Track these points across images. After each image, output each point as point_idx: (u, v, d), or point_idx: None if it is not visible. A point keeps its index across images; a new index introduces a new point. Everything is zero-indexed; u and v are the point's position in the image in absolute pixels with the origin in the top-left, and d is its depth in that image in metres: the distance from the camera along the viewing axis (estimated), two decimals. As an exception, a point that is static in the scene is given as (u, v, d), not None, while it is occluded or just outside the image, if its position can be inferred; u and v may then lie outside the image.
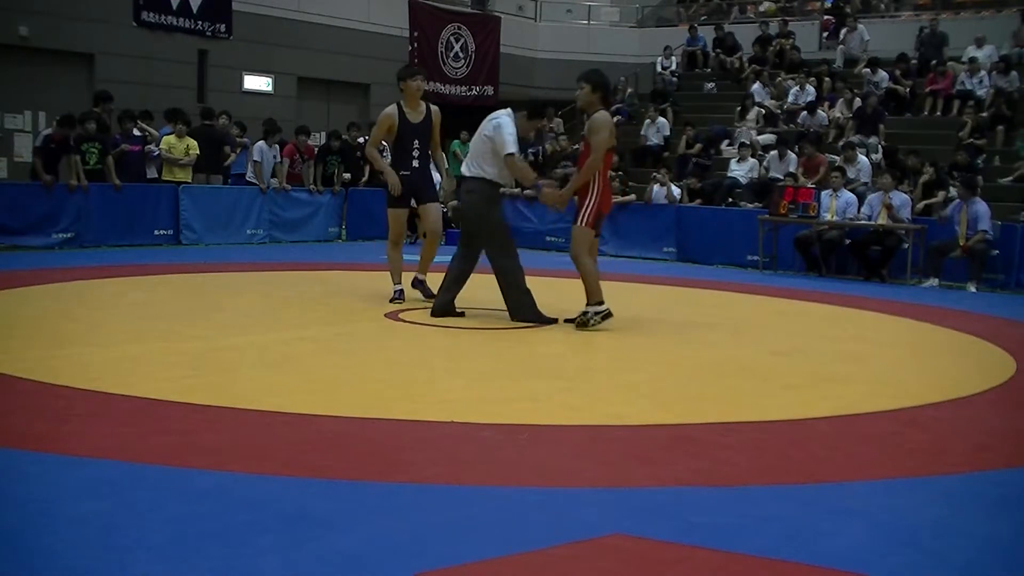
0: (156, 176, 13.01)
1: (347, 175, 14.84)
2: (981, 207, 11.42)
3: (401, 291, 7.87)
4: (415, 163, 7.75)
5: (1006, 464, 4.16)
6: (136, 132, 13.06)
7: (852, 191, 12.58)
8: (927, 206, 12.54)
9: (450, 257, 7.44)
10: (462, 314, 7.27)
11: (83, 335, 6.12)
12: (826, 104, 16.80)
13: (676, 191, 14.49)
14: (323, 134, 18.01)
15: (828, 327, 8.11)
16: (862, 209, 12.13)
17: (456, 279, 7.30)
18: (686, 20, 23.08)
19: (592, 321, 6.87)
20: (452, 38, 20.58)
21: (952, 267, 11.65)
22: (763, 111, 17.20)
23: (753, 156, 15.07)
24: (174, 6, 17.03)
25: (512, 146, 7.06)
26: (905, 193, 12.18)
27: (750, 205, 13.89)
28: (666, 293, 10.03)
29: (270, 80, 18.59)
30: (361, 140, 15.51)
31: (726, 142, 16.53)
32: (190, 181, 13.06)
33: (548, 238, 14.79)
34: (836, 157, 13.97)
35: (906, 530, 3.21)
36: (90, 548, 2.76)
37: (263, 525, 2.98)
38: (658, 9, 24.64)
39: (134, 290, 8.39)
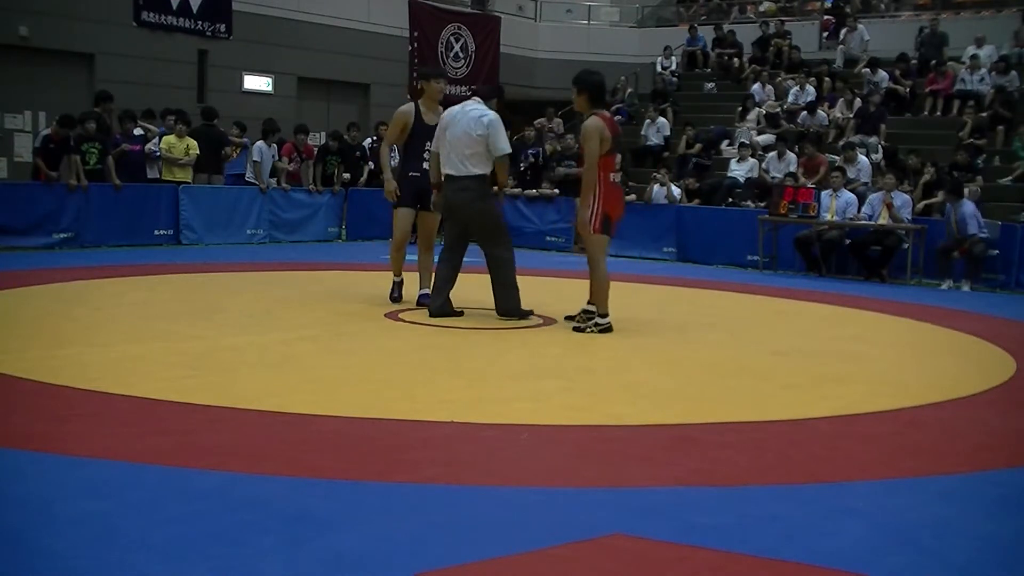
0: (156, 176, 13.01)
1: (346, 175, 14.84)
2: (968, 209, 11.41)
3: (401, 283, 7.81)
4: (425, 165, 7.60)
5: (1006, 464, 4.16)
6: (137, 131, 13.04)
7: (852, 191, 12.58)
8: (927, 206, 12.55)
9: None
10: (461, 313, 7.27)
11: (83, 335, 6.11)
12: (826, 104, 16.80)
13: (676, 191, 14.49)
14: (323, 134, 18.03)
15: (828, 327, 8.11)
16: (862, 209, 12.13)
17: (448, 279, 7.30)
18: (686, 20, 23.08)
19: (588, 330, 6.86)
20: (452, 38, 20.58)
21: (954, 266, 11.65)
22: (763, 111, 17.20)
23: (753, 156, 15.07)
24: (174, 6, 17.04)
25: (509, 146, 7.06)
26: (905, 193, 12.19)
27: (751, 205, 13.89)
28: (666, 293, 10.02)
29: (270, 80, 18.60)
30: (369, 140, 15.54)
31: (726, 142, 16.54)
32: (190, 181, 13.06)
33: (548, 238, 14.81)
34: (836, 157, 13.97)
35: (906, 530, 3.21)
36: (90, 548, 2.76)
37: (263, 525, 2.98)
38: (658, 9, 24.64)
39: (134, 290, 8.38)
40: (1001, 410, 5.15)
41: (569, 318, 7.14)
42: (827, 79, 17.64)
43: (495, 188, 7.66)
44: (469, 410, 4.57)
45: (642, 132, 17.39)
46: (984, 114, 15.27)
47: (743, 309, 9.10)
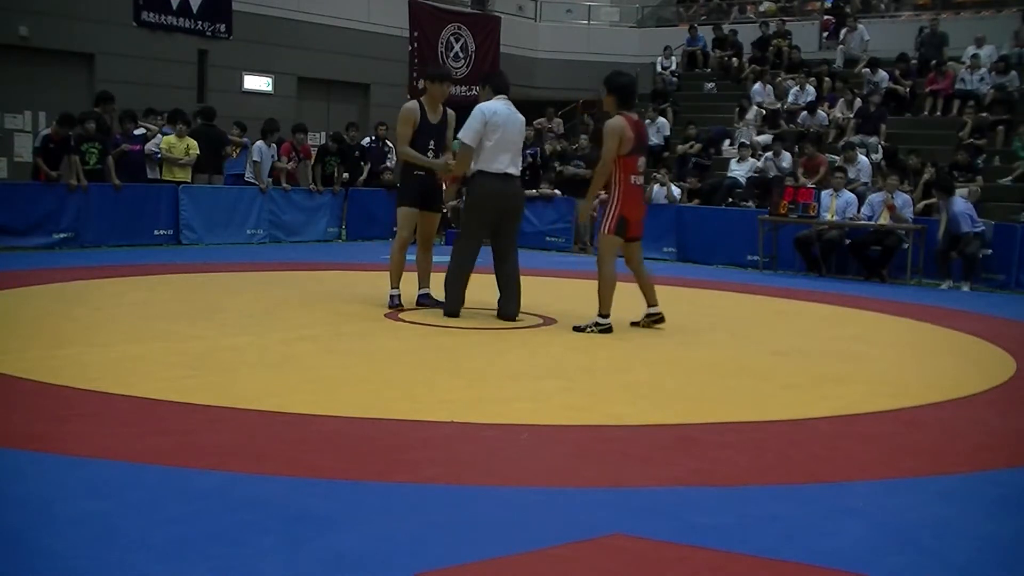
0: (156, 176, 13.01)
1: (346, 175, 14.84)
2: (960, 208, 11.41)
3: (398, 296, 7.72)
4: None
5: (1006, 464, 4.16)
6: (138, 131, 13.04)
7: (852, 191, 12.58)
8: (927, 206, 12.55)
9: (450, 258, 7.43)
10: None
11: (83, 335, 6.11)
12: (826, 104, 16.80)
13: (676, 191, 14.49)
14: (322, 134, 18.03)
15: (828, 327, 8.11)
16: (863, 209, 12.12)
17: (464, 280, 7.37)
18: (686, 20, 23.08)
19: (589, 330, 6.86)
20: (452, 38, 20.57)
21: (952, 267, 11.66)
22: (763, 111, 17.21)
23: (753, 156, 15.08)
24: (174, 6, 17.03)
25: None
26: (906, 193, 12.19)
27: (751, 205, 13.89)
28: (666, 293, 9.94)
29: (270, 80, 18.60)
30: (367, 140, 15.54)
31: (726, 142, 16.54)
32: (190, 181, 13.06)
33: (548, 238, 14.82)
34: (836, 157, 13.97)
35: (906, 530, 3.21)
36: (90, 548, 2.76)
37: (263, 525, 2.98)
38: (658, 9, 24.64)
39: (134, 290, 8.38)
40: (1001, 410, 5.15)
41: (635, 324, 7.20)
42: (827, 79, 17.65)
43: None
44: (469, 410, 4.56)
45: (642, 132, 17.35)
46: (984, 114, 15.27)
47: (743, 309, 9.10)
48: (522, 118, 7.41)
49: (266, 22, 18.18)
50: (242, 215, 13.51)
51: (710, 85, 20.05)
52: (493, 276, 7.34)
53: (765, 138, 15.98)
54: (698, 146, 16.24)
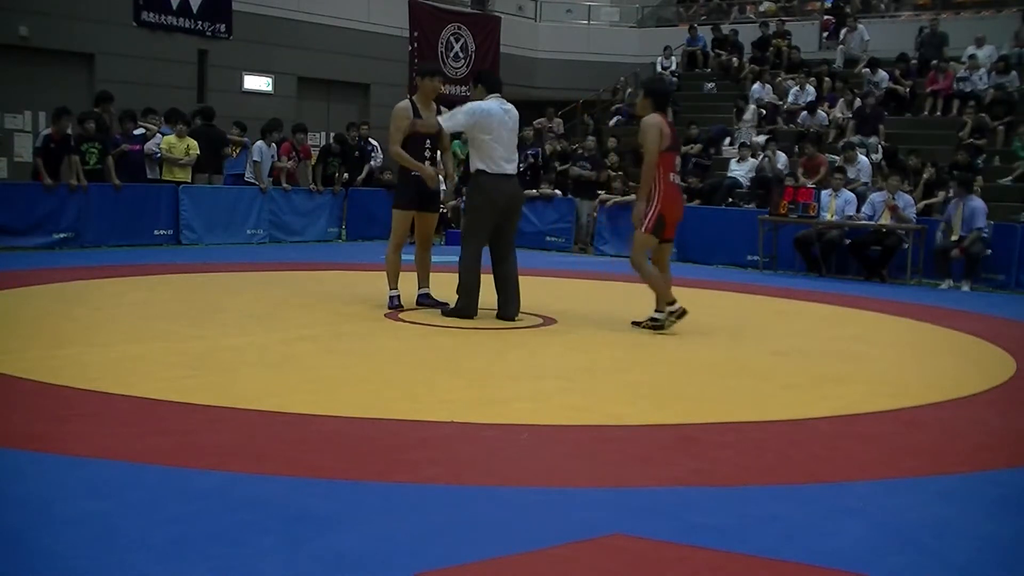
0: (156, 176, 13.01)
1: (346, 175, 14.84)
2: (978, 204, 11.42)
3: (398, 297, 7.71)
4: (426, 163, 7.51)
5: (1006, 464, 4.16)
6: (138, 130, 13.03)
7: (852, 191, 12.58)
8: (927, 206, 12.55)
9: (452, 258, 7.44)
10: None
11: (83, 335, 6.11)
12: (826, 104, 16.80)
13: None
14: (322, 134, 18.03)
15: (828, 327, 8.11)
16: (863, 209, 12.12)
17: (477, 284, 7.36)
18: (686, 20, 23.09)
19: (667, 323, 6.91)
20: (452, 38, 20.57)
21: (953, 267, 11.65)
22: (763, 111, 17.20)
23: (753, 156, 15.08)
24: (174, 6, 17.04)
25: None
26: (906, 193, 12.18)
27: (750, 205, 13.89)
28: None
29: (270, 80, 18.59)
30: (357, 139, 15.53)
31: (726, 142, 16.53)
32: (190, 181, 13.06)
33: (548, 238, 14.82)
34: (836, 157, 13.97)
35: (906, 530, 3.21)
36: (90, 548, 2.76)
37: (263, 525, 2.98)
38: (658, 9, 24.65)
39: (134, 290, 8.38)
40: (1001, 410, 5.15)
41: (636, 324, 7.19)
42: (827, 79, 17.64)
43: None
44: (469, 410, 4.56)
45: (642, 132, 17.36)
46: (984, 114, 15.27)
47: (743, 309, 9.10)
48: (516, 113, 7.38)
49: (266, 22, 18.18)
50: (242, 215, 13.50)
51: (710, 85, 20.05)
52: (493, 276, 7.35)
53: (763, 138, 15.98)
54: (698, 146, 16.24)
